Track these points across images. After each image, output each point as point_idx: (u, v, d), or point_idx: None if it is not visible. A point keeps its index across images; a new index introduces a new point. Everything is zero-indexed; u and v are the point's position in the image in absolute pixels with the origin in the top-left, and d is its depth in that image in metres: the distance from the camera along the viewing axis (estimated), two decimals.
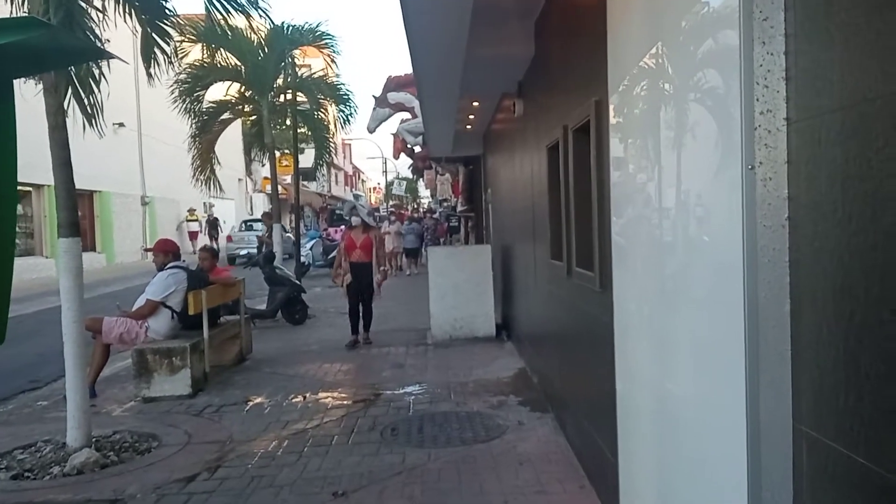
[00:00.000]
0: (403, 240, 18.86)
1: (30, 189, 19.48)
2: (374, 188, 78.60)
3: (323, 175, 38.12)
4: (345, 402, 6.19)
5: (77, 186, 18.16)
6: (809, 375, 1.67)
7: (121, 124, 25.60)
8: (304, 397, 6.38)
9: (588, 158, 3.98)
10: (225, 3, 5.74)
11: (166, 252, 7.30)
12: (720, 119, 1.95)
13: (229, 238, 26.57)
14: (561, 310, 5.17)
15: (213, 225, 31.06)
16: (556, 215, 5.06)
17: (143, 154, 27.98)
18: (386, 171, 56.40)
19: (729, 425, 1.87)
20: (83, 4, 4.74)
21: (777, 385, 1.75)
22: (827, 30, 1.57)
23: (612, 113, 3.18)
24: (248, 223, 28.02)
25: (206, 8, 5.74)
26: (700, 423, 2.14)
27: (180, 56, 10.98)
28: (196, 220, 31.13)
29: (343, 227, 27.07)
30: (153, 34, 6.23)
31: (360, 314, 8.85)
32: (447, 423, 5.40)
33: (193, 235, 30.34)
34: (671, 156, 2.34)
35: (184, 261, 7.92)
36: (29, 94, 4.96)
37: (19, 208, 19.82)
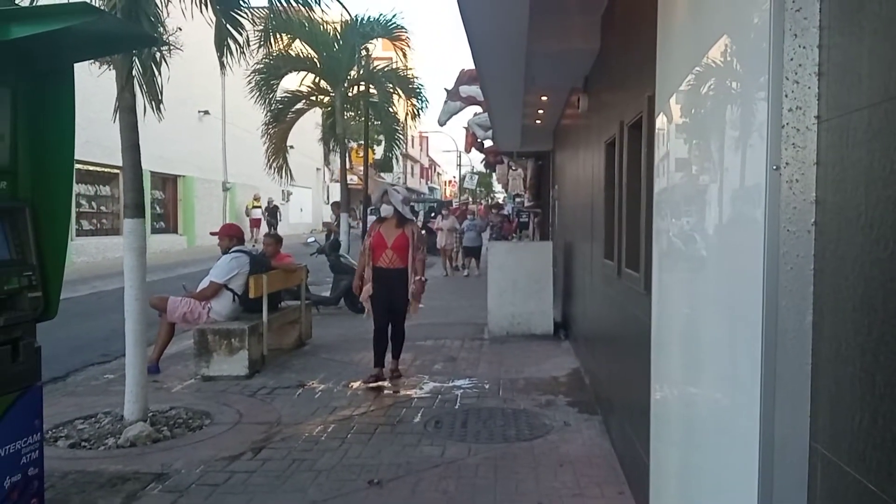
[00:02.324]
0: (464, 237, 17.05)
1: (117, 172, 20.36)
2: (450, 181, 78.89)
3: (398, 166, 38.44)
4: (393, 392, 6.24)
5: (162, 171, 18.93)
6: (827, 392, 1.56)
7: (206, 112, 26.54)
8: (354, 385, 6.45)
9: (639, 155, 3.87)
10: None
11: (231, 236, 7.52)
12: (744, 117, 1.84)
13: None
14: (611, 310, 5.05)
15: (272, 213, 29.35)
16: (610, 214, 4.95)
17: (227, 141, 28.89)
18: (460, 165, 56.51)
19: (743, 439, 1.77)
20: None
21: (794, 400, 1.65)
22: (859, 22, 1.45)
23: (655, 110, 3.07)
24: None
25: (270, 0, 5.84)
26: (717, 433, 2.04)
27: (257, 45, 11.26)
28: (260, 207, 29.44)
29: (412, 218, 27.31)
30: (227, 24, 6.39)
31: (389, 336, 6.74)
32: (492, 419, 5.37)
33: (256, 223, 28.28)
34: (695, 154, 2.23)
35: (254, 246, 8.16)
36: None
37: (107, 189, 20.81)
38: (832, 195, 1.55)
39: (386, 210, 6.66)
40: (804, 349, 1.64)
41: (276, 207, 29.78)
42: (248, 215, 28.75)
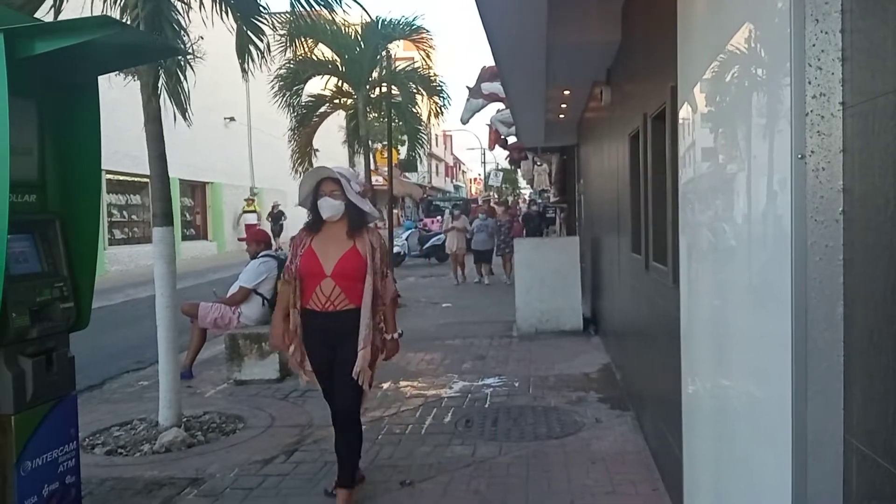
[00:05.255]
0: (473, 239, 14.93)
1: (147, 181, 20.66)
2: (475, 179, 78.81)
3: (423, 165, 38.49)
4: (423, 392, 6.24)
5: (190, 178, 19.00)
6: (861, 384, 1.52)
7: (231, 118, 26.80)
8: (385, 386, 6.46)
9: (664, 147, 3.83)
10: None
11: (258, 241, 7.59)
12: (769, 105, 1.81)
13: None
14: (640, 305, 5.00)
15: (276, 218, 26.35)
16: (636, 207, 4.90)
17: (252, 147, 29.15)
18: (485, 162, 56.46)
19: (776, 433, 1.74)
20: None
21: (827, 393, 1.61)
22: (882, 4, 1.42)
23: (679, 100, 3.03)
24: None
25: (291, 4, 5.89)
26: (750, 428, 2.01)
27: (281, 49, 11.32)
28: (254, 212, 26.85)
29: (439, 217, 27.16)
30: (248, 31, 6.44)
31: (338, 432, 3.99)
32: (522, 418, 5.34)
33: (251, 229, 25.79)
34: (720, 143, 2.20)
35: (278, 250, 8.23)
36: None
37: (138, 199, 21.14)
38: (860, 183, 1.52)
39: (331, 209, 3.80)
40: (836, 341, 1.60)
41: (282, 213, 26.55)
42: (238, 223, 26.39)
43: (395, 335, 4.04)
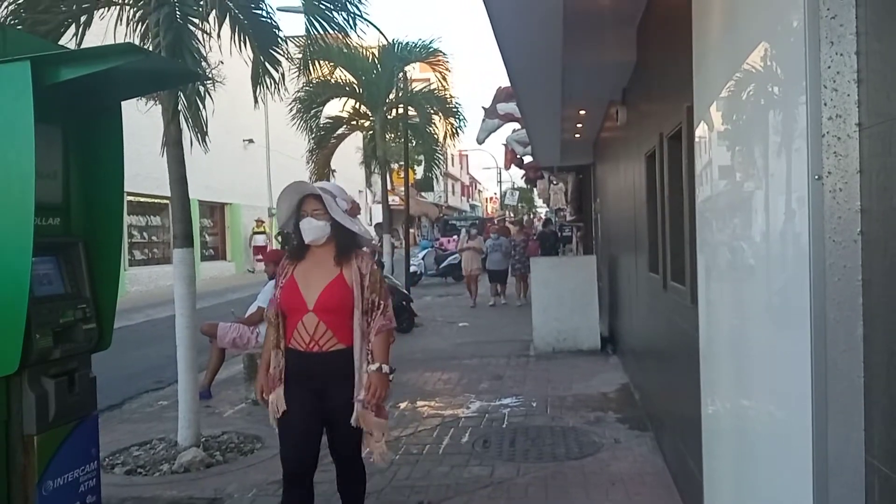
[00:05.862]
0: (487, 259, 14.78)
1: (167, 202, 20.88)
2: (491, 198, 78.90)
3: (439, 185, 38.64)
4: (440, 412, 6.22)
5: (210, 199, 19.12)
6: (881, 405, 1.51)
7: (250, 140, 27.08)
8: (402, 405, 6.47)
9: (680, 168, 3.83)
10: (323, 22, 5.98)
11: (276, 262, 7.63)
12: (784, 126, 1.82)
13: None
14: (658, 324, 4.98)
15: (286, 239, 27.32)
16: (654, 226, 4.90)
17: (271, 168, 29.41)
18: (500, 181, 56.56)
19: (797, 454, 1.73)
20: (192, 28, 5.05)
21: (847, 414, 1.61)
22: None
23: (695, 120, 3.05)
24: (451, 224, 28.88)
25: (307, 28, 5.98)
26: (770, 449, 1.99)
27: (297, 73, 11.46)
28: (263, 233, 26.79)
29: (455, 236, 27.27)
30: (265, 61, 6.51)
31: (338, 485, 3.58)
32: (540, 438, 5.32)
33: (260, 251, 24.33)
34: (738, 161, 2.20)
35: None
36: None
37: (158, 220, 21.38)
38: (877, 204, 1.52)
39: (313, 231, 3.28)
40: (856, 362, 1.60)
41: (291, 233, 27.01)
42: (250, 244, 26.78)
43: (384, 368, 3.20)
